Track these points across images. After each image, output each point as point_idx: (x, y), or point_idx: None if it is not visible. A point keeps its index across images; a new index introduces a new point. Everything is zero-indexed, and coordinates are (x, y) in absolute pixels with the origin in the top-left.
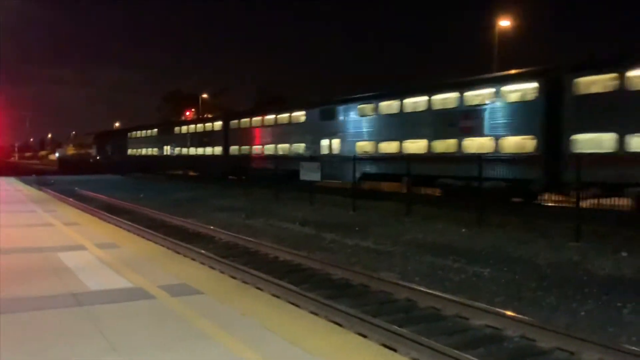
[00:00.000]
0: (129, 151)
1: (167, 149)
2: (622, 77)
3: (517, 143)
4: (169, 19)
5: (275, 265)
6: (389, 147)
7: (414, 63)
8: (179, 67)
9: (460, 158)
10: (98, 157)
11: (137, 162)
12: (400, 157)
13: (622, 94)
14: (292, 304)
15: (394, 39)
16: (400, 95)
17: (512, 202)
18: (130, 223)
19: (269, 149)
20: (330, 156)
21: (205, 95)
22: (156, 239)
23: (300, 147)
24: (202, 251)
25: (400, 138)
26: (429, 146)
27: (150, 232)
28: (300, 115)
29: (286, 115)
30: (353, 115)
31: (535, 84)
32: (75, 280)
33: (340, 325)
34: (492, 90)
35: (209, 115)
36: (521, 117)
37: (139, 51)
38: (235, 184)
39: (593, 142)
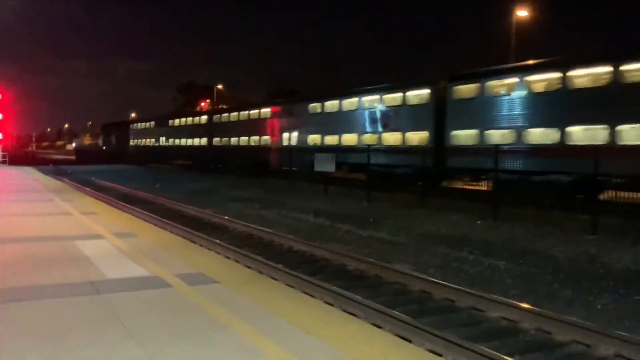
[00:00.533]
0: (131, 142)
1: (162, 140)
2: (482, 87)
3: (420, 137)
4: (183, 11)
5: (289, 256)
6: (332, 139)
7: (437, 51)
8: (194, 58)
9: (380, 149)
10: (104, 147)
11: (137, 152)
12: (338, 148)
13: (482, 100)
14: (307, 293)
15: (413, 29)
16: (341, 96)
17: (526, 194)
18: (146, 213)
19: (243, 140)
20: (289, 147)
21: (220, 87)
22: (172, 228)
23: (267, 139)
24: (217, 241)
25: (340, 132)
26: (360, 139)
27: (166, 221)
28: (267, 112)
29: (256, 111)
30: (306, 113)
31: (428, 90)
32: (93, 269)
33: (355, 315)
34: (401, 94)
35: (220, 107)
36: (420, 116)
37: (153, 43)
38: (250, 175)
39: (466, 137)
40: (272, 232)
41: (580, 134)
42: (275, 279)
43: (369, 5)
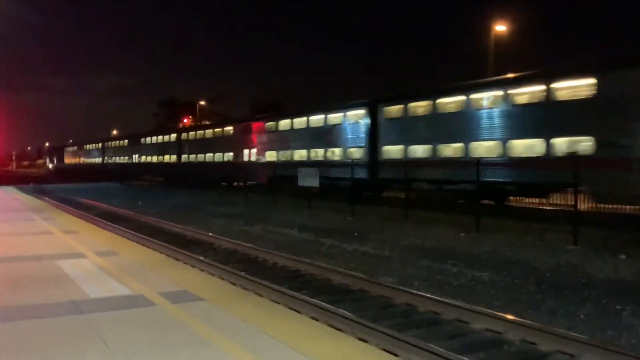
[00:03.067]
0: (65, 161)
1: (80, 159)
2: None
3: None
4: (165, 27)
5: (274, 271)
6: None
7: (417, 68)
8: (176, 74)
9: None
10: (50, 166)
11: (69, 169)
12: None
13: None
14: (293, 309)
15: (392, 45)
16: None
17: (509, 206)
18: (129, 230)
19: (124, 159)
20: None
21: (203, 103)
22: (155, 246)
23: (125, 159)
24: (201, 258)
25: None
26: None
27: (149, 239)
28: (125, 142)
29: (121, 141)
30: (140, 143)
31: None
32: (75, 288)
33: (341, 330)
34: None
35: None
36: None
37: (135, 59)
38: (232, 191)
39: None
40: (257, 248)
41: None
42: (261, 295)
43: (347, 20)
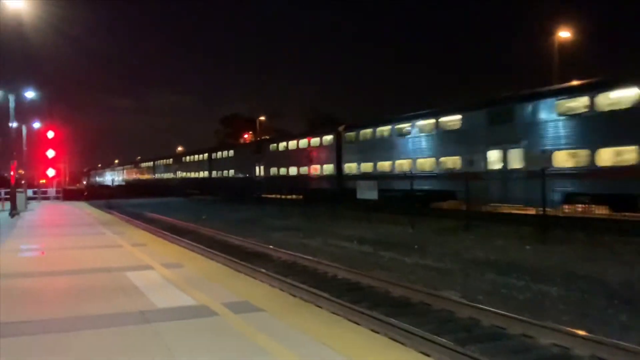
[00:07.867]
0: (92, 180)
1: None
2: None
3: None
4: (222, 45)
5: (333, 283)
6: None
7: (477, 78)
8: (236, 91)
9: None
10: (85, 184)
11: (96, 188)
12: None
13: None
14: (352, 321)
15: (451, 55)
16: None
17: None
18: (193, 243)
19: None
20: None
21: (262, 118)
22: (218, 258)
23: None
24: (262, 270)
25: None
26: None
27: (212, 251)
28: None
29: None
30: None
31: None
32: (143, 299)
33: (401, 343)
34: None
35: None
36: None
37: (193, 77)
38: (292, 205)
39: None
40: (316, 260)
41: None
42: (320, 307)
43: (405, 32)
